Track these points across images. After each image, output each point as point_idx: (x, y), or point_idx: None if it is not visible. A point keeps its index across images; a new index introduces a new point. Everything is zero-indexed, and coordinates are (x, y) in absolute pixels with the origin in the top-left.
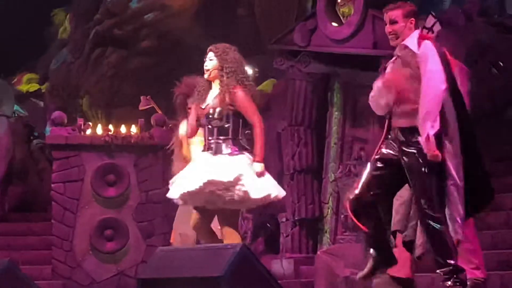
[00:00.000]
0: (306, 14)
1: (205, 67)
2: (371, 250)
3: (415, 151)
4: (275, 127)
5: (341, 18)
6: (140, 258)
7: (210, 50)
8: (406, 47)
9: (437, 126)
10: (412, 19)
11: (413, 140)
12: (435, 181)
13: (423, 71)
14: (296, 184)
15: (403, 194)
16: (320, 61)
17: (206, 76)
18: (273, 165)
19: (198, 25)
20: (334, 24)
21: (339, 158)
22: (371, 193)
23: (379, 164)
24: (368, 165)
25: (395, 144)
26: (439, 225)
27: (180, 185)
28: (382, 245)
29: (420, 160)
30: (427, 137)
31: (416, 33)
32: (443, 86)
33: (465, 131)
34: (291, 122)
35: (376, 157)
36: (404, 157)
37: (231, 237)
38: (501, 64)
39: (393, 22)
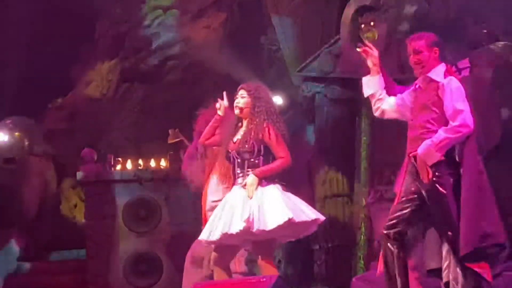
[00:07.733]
0: (331, 40)
1: (236, 104)
2: None
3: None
4: (304, 155)
5: (366, 43)
6: None
7: (242, 88)
8: (431, 79)
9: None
10: (436, 48)
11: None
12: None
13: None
14: (328, 210)
15: None
16: (347, 87)
17: (237, 112)
18: (305, 191)
19: (223, 55)
20: (358, 49)
21: (370, 183)
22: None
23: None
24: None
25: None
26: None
27: (217, 226)
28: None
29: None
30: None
31: (442, 66)
32: (471, 127)
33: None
34: (320, 148)
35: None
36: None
37: (266, 269)
38: None
39: (417, 52)
